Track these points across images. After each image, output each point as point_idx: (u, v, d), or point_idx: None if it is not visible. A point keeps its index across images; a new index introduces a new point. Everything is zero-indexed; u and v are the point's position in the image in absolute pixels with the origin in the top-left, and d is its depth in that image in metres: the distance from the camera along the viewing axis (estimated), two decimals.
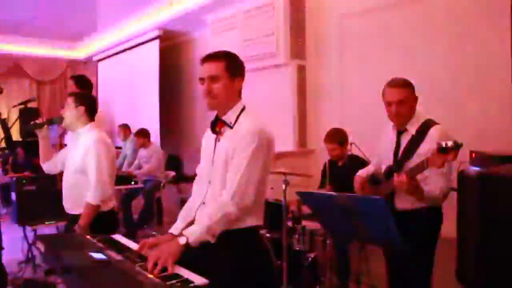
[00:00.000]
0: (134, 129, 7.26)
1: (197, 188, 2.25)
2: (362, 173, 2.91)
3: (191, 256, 1.92)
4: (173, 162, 7.69)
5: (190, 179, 7.63)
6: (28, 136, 7.92)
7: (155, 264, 1.78)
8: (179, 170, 7.51)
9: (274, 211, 3.55)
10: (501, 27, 3.68)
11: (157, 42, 8.02)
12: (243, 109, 2.11)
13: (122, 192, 6.34)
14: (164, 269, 1.78)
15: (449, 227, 2.66)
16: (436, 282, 2.67)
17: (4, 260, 3.58)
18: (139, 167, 6.81)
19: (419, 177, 2.39)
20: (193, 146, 7.42)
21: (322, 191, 3.44)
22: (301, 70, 5.58)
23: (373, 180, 2.82)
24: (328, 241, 3.51)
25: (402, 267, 2.66)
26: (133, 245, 2.16)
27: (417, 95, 2.64)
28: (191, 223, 2.12)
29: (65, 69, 11.26)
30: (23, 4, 7.60)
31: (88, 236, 2.27)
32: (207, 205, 2.10)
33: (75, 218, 2.99)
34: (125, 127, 7.51)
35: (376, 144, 2.98)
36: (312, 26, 5.57)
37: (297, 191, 2.50)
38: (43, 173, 3.45)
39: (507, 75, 3.64)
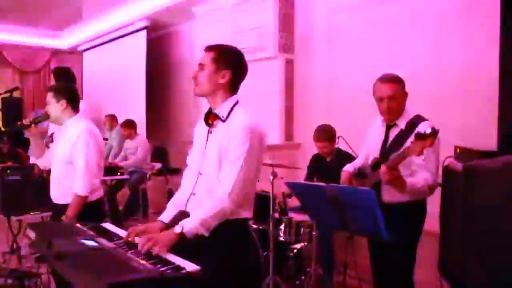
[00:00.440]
0: (120, 120, 7.23)
1: (188, 178, 2.27)
2: (348, 167, 2.94)
3: (182, 244, 1.95)
4: (159, 154, 7.68)
5: (176, 171, 7.67)
6: (11, 126, 7.83)
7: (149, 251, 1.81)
8: (165, 162, 7.50)
9: (260, 203, 3.59)
10: (488, 25, 3.73)
11: (144, 32, 7.97)
12: (236, 103, 2.14)
13: (108, 183, 6.31)
14: (157, 256, 1.80)
15: (430, 221, 2.72)
16: (417, 275, 2.72)
17: None
18: (125, 158, 6.79)
19: (405, 172, 2.44)
20: (180, 139, 7.42)
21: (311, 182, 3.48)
22: (289, 63, 5.61)
23: (360, 174, 2.86)
24: (314, 233, 3.55)
25: (386, 259, 2.71)
26: (123, 233, 2.17)
27: (406, 91, 2.68)
28: (181, 213, 2.15)
29: (49, 59, 11.10)
30: None
31: (78, 224, 2.28)
32: (198, 196, 2.12)
33: (62, 208, 2.98)
34: (112, 117, 7.47)
35: (363, 138, 3.02)
36: (300, 20, 5.60)
37: (286, 181, 2.53)
38: (26, 163, 3.41)
39: (493, 72, 3.69)
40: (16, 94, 7.63)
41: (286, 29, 5.57)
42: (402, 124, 2.62)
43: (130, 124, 6.77)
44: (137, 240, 1.99)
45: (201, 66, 2.12)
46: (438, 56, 4.19)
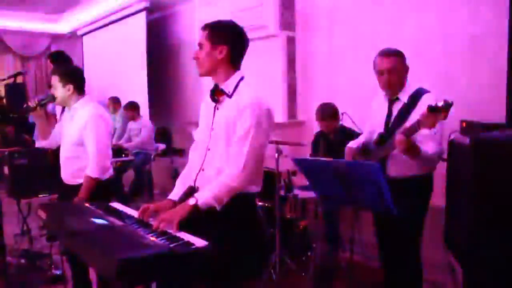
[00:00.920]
0: (123, 103, 7.24)
1: (195, 155, 2.29)
2: (352, 144, 2.95)
3: (189, 220, 1.99)
4: (163, 135, 7.71)
5: (180, 151, 7.70)
6: (17, 109, 7.87)
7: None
8: (168, 143, 7.53)
9: (266, 180, 3.61)
10: None
11: (144, 14, 7.91)
12: (241, 79, 2.15)
13: (113, 165, 6.35)
14: (166, 233, 1.84)
15: (435, 196, 2.75)
16: (423, 250, 2.76)
17: None
18: (129, 140, 6.83)
19: None
20: (183, 119, 7.42)
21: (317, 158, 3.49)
22: (291, 41, 5.58)
23: (364, 150, 2.87)
24: (319, 209, 3.59)
25: (392, 234, 2.74)
26: (131, 212, 2.21)
27: (407, 65, 2.68)
28: (190, 188, 2.19)
29: (50, 44, 11.06)
30: None
31: (87, 204, 2.32)
32: (206, 171, 2.15)
33: (74, 188, 3.02)
34: (115, 100, 7.48)
35: (367, 114, 3.03)
36: None
37: (292, 158, 2.55)
38: (33, 148, 3.43)
39: (501, 43, 3.66)
40: (18, 80, 7.62)
41: (287, 6, 5.52)
42: (404, 98, 2.62)
43: (133, 106, 6.79)
44: (150, 221, 2.03)
45: (200, 45, 2.14)
46: (444, 28, 4.13)
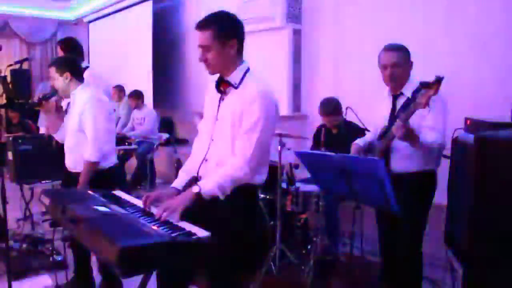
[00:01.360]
0: (127, 91, 7.25)
1: (199, 145, 2.30)
2: (359, 141, 2.95)
3: (191, 210, 2.00)
4: (166, 124, 7.72)
5: (183, 141, 7.70)
6: (19, 98, 7.88)
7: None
8: (172, 133, 7.54)
9: (268, 172, 3.62)
10: None
11: (150, 2, 7.89)
12: (247, 70, 2.14)
13: (116, 153, 6.37)
14: (168, 222, 1.85)
15: (437, 194, 2.74)
16: (424, 247, 2.75)
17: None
18: (133, 129, 6.85)
19: None
20: (186, 109, 7.43)
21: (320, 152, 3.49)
22: (297, 34, 5.56)
23: (370, 149, 2.87)
24: (321, 203, 3.60)
25: (394, 230, 2.74)
26: (134, 200, 2.22)
27: (413, 60, 2.67)
28: (194, 178, 2.21)
29: (56, 31, 11.05)
30: None
31: (90, 191, 2.33)
32: (209, 162, 2.16)
33: (77, 176, 3.03)
34: (119, 89, 7.49)
35: (371, 109, 3.02)
36: None
37: (295, 151, 2.55)
38: (37, 134, 3.45)
39: (506, 43, 3.64)
40: (24, 65, 7.63)
41: None
42: (408, 93, 2.62)
43: (137, 95, 6.80)
44: (152, 209, 2.04)
45: (204, 47, 2.07)
46: (450, 24, 4.11)
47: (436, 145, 2.48)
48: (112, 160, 3.15)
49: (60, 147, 3.26)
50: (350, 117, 3.96)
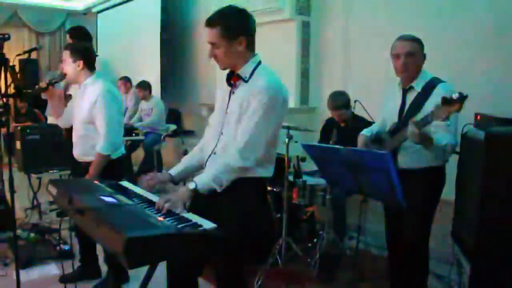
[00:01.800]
0: (135, 82, 7.25)
1: (208, 138, 2.29)
2: (365, 132, 2.93)
3: (198, 203, 2.00)
4: (173, 116, 7.73)
5: (190, 133, 7.70)
6: (27, 88, 7.91)
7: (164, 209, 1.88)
8: (179, 124, 7.54)
9: (275, 165, 3.62)
10: None
11: None
12: (258, 64, 2.12)
13: (123, 143, 6.39)
14: (174, 213, 1.85)
15: (445, 189, 2.72)
16: (430, 242, 2.73)
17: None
18: (140, 119, 6.86)
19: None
20: (194, 101, 7.42)
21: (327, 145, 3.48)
22: (305, 26, 5.52)
23: (377, 139, 2.84)
24: (328, 196, 3.59)
25: (400, 225, 2.72)
26: (140, 191, 2.22)
27: (425, 54, 2.64)
28: (194, 169, 2.27)
29: (65, 21, 11.06)
30: None
31: (97, 182, 2.33)
32: (218, 155, 2.15)
33: (85, 166, 3.05)
34: (126, 81, 7.49)
35: (380, 102, 2.99)
36: None
37: (302, 143, 2.54)
38: (45, 123, 3.46)
39: None
40: (32, 55, 7.64)
41: None
42: (418, 87, 2.58)
43: (145, 85, 6.80)
44: (154, 199, 2.04)
45: (213, 44, 2.07)
46: (461, 19, 4.06)
47: (449, 147, 2.45)
48: (121, 150, 3.16)
49: (69, 137, 3.27)
50: (358, 110, 3.94)
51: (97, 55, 4.05)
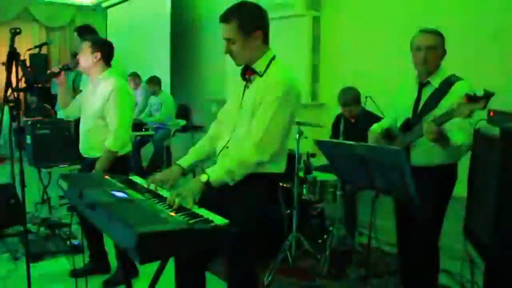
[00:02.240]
0: (144, 77, 7.25)
1: (217, 131, 2.29)
2: (375, 127, 2.89)
3: (209, 197, 1.98)
4: (183, 111, 7.72)
5: (199, 128, 7.71)
6: (38, 82, 7.93)
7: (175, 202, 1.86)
8: (188, 120, 7.54)
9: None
10: None
11: None
12: (273, 58, 2.11)
13: (132, 139, 6.40)
14: (185, 208, 1.84)
15: (457, 185, 2.68)
16: (441, 239, 2.70)
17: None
18: (150, 114, 6.86)
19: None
20: (203, 96, 7.41)
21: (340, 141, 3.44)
22: (316, 21, 5.48)
23: (387, 135, 2.80)
24: (338, 193, 3.56)
25: (412, 222, 2.69)
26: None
27: (445, 49, 2.59)
28: (203, 160, 2.26)
29: (74, 16, 11.09)
30: None
31: (107, 176, 2.32)
32: (230, 149, 2.14)
33: (91, 161, 3.04)
34: (135, 76, 7.49)
35: (390, 99, 2.95)
36: None
37: (313, 139, 2.51)
38: (55, 118, 3.45)
39: None
40: (42, 50, 7.66)
41: None
42: (436, 83, 2.52)
43: (155, 81, 6.80)
44: (165, 193, 2.03)
45: (229, 40, 2.05)
46: (474, 14, 4.01)
47: (465, 147, 2.41)
48: (128, 147, 3.16)
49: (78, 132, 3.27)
50: (369, 106, 3.90)
51: None
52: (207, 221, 1.72)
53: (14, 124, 3.06)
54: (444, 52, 2.57)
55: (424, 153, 2.52)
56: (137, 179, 2.35)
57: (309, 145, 4.11)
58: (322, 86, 5.56)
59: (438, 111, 2.35)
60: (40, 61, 9.03)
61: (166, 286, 2.09)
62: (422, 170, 2.49)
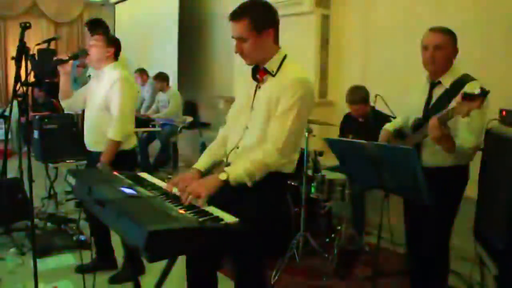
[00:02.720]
0: (151, 73, 7.24)
1: (227, 133, 2.26)
2: (388, 126, 2.86)
3: (217, 195, 1.96)
4: (190, 108, 7.70)
5: (206, 125, 7.69)
6: (46, 76, 7.93)
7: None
8: (195, 117, 7.52)
9: None
10: None
11: None
12: (285, 57, 2.08)
13: (139, 135, 6.40)
14: (195, 206, 1.82)
15: (467, 186, 2.64)
16: (452, 240, 2.67)
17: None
18: (157, 111, 6.85)
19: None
20: (211, 93, 7.39)
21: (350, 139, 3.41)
22: (325, 19, 5.44)
23: (399, 134, 2.77)
24: (347, 191, 3.53)
25: (421, 222, 2.66)
26: (159, 183, 2.19)
27: (457, 48, 2.55)
28: (218, 164, 2.19)
29: (83, 11, 11.10)
30: None
31: (115, 173, 2.31)
32: (241, 149, 2.11)
33: (96, 155, 3.04)
34: (142, 72, 7.48)
35: (399, 97, 2.92)
36: None
37: (323, 138, 2.49)
38: (63, 113, 3.44)
39: None
40: (51, 45, 7.66)
41: None
42: (447, 82, 2.48)
43: (163, 77, 6.79)
44: (176, 191, 2.00)
45: (240, 38, 2.01)
46: (484, 13, 3.96)
47: (472, 151, 2.38)
48: (133, 141, 3.17)
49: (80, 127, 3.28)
50: (379, 105, 3.86)
51: None
52: (217, 219, 1.70)
53: (22, 119, 3.05)
54: (455, 51, 2.52)
55: (436, 154, 2.47)
56: (145, 175, 2.33)
57: (317, 143, 4.09)
58: (330, 84, 5.51)
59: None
60: (48, 56, 9.02)
61: (173, 284, 2.07)
62: (434, 170, 2.45)
